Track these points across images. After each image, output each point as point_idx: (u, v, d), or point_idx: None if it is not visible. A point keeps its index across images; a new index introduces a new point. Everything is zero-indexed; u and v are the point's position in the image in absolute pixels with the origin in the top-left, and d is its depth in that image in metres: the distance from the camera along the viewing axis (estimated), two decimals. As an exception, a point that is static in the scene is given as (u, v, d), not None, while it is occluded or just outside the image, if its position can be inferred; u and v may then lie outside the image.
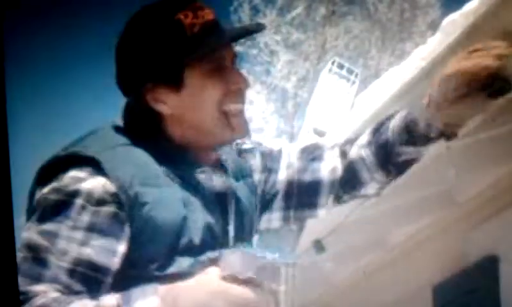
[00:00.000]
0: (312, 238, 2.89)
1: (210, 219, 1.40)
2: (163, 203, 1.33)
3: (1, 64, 1.14)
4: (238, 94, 1.41)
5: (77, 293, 1.20)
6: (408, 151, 1.58)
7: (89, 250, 1.23)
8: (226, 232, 1.49)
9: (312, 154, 1.66)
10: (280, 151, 1.66)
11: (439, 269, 2.98)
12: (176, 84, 1.36)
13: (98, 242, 1.24)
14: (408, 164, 1.63)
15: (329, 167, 1.64)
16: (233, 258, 1.18)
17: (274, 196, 1.64)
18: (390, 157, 1.60)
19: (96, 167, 1.27)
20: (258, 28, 1.48)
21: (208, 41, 1.36)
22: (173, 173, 1.37)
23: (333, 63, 2.93)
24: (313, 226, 3.17)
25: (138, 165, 1.33)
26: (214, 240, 1.40)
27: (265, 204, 1.65)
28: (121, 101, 1.42)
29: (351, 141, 1.66)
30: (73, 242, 1.23)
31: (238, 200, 1.54)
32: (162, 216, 1.31)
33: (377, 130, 1.63)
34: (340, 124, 2.59)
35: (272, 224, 1.68)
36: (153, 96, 1.36)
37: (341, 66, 2.91)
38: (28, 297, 1.18)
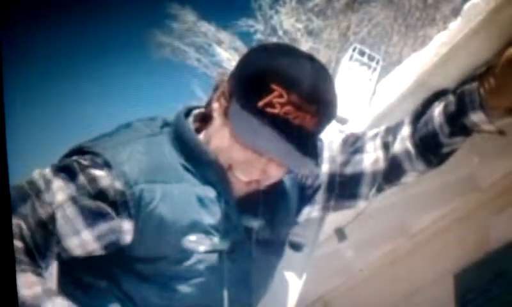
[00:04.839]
0: (333, 226, 2.88)
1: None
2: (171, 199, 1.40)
3: (-1, 65, 1.15)
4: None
5: None
6: (455, 142, 1.57)
7: None
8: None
9: (353, 146, 1.66)
10: (321, 145, 1.66)
11: (461, 256, 2.96)
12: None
13: None
14: (451, 153, 1.62)
15: (371, 159, 1.64)
16: None
17: (317, 189, 1.65)
18: (435, 148, 1.58)
19: None
20: None
21: (271, 134, 1.41)
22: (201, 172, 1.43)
23: (354, 50, 2.91)
24: (335, 213, 3.16)
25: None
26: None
27: (307, 197, 1.65)
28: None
29: (391, 131, 1.64)
30: None
31: (282, 193, 1.55)
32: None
33: (418, 120, 1.61)
34: (362, 111, 2.57)
35: (311, 215, 1.69)
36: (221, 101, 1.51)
37: (362, 53, 2.88)
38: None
